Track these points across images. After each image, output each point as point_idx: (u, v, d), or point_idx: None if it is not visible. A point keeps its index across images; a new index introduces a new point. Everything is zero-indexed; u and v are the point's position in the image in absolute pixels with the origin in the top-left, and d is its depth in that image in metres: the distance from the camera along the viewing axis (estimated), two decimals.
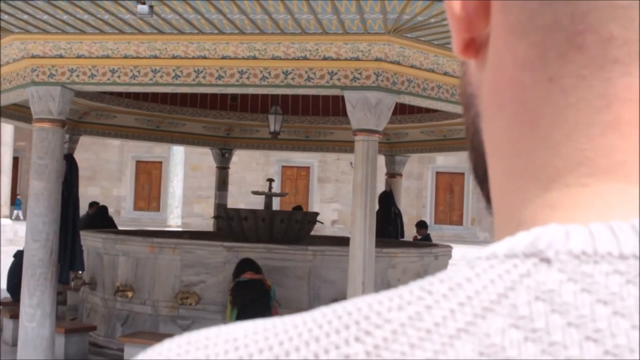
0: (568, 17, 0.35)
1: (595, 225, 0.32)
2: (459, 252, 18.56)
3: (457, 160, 28.99)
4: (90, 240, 10.36)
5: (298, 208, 16.20)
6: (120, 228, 14.99)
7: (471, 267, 0.34)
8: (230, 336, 0.36)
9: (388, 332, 0.33)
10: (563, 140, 0.35)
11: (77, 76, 7.94)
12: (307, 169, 30.54)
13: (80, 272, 10.44)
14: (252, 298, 7.89)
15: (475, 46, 0.41)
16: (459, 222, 29.83)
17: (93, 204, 15.41)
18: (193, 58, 7.63)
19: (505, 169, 0.39)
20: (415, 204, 29.42)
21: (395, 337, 0.32)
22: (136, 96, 11.76)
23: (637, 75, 0.33)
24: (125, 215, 30.54)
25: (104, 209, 15.10)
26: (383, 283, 9.11)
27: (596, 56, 0.34)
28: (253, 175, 29.40)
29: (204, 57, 7.60)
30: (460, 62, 0.44)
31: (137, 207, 31.22)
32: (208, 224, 15.86)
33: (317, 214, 11.63)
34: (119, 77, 7.86)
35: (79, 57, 7.90)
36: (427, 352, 0.32)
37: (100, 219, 14.33)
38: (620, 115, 0.34)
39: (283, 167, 30.62)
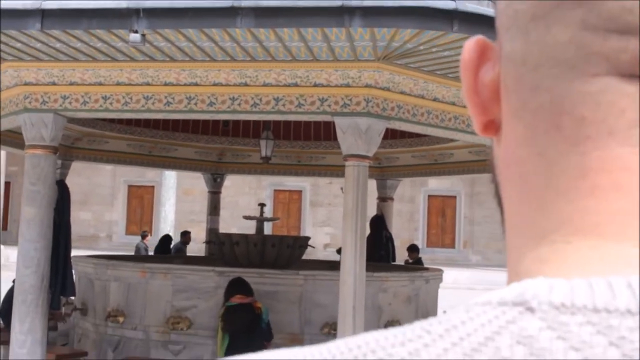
0: (548, 102, 0.42)
1: (577, 280, 0.38)
2: (451, 275, 18.61)
3: (449, 184, 29.07)
4: (81, 266, 10.37)
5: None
6: (111, 253, 15.05)
7: (467, 311, 0.40)
8: None
9: None
10: (549, 204, 0.42)
11: (70, 103, 7.99)
12: (300, 192, 30.56)
13: (71, 297, 10.43)
14: (242, 323, 7.90)
15: (494, 127, 0.48)
16: (451, 245, 29.85)
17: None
18: (185, 85, 7.70)
19: (511, 228, 0.46)
20: (408, 227, 29.45)
21: None
22: (128, 122, 11.80)
23: (606, 149, 0.40)
24: (117, 239, 30.48)
25: (167, 238, 16.25)
26: (374, 307, 9.13)
27: (571, 134, 0.41)
28: (245, 199, 29.40)
29: (196, 84, 7.67)
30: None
31: (129, 232, 31.04)
32: (200, 249, 15.83)
33: (308, 238, 11.66)
34: (111, 104, 7.91)
35: (71, 84, 7.95)
36: None
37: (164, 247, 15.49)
38: (595, 182, 0.40)
39: (275, 191, 30.63)
